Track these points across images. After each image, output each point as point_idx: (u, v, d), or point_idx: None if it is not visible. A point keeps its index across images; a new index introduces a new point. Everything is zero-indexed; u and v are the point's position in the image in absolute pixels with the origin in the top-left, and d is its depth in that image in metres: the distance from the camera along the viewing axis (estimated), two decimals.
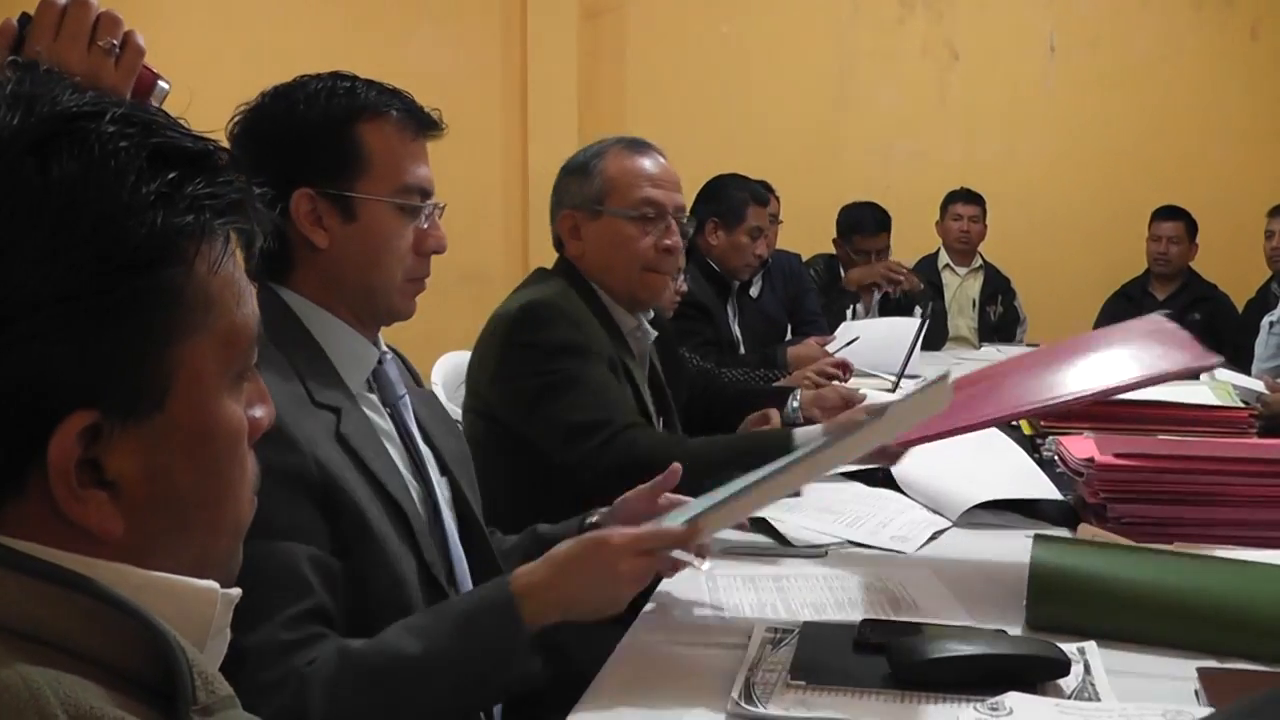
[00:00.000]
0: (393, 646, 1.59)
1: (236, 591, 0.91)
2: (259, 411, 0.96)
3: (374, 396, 1.86)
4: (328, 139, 1.80)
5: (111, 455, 0.81)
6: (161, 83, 1.45)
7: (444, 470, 1.93)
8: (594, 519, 2.05)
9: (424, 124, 1.88)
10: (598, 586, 1.66)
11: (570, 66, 7.16)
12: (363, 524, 1.67)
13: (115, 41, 1.37)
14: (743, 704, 1.56)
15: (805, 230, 5.96)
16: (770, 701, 1.57)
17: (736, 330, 4.82)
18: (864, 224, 5.98)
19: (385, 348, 1.89)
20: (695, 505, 1.82)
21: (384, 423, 1.85)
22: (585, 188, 2.69)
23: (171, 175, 0.83)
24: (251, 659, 1.50)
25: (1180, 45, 7.06)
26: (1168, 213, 6.32)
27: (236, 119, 1.83)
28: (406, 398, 1.90)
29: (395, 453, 1.82)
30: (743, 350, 4.71)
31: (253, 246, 0.92)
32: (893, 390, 3.85)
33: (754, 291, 5.18)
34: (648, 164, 2.71)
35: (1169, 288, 6.47)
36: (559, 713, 1.59)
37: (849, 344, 4.48)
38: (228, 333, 0.87)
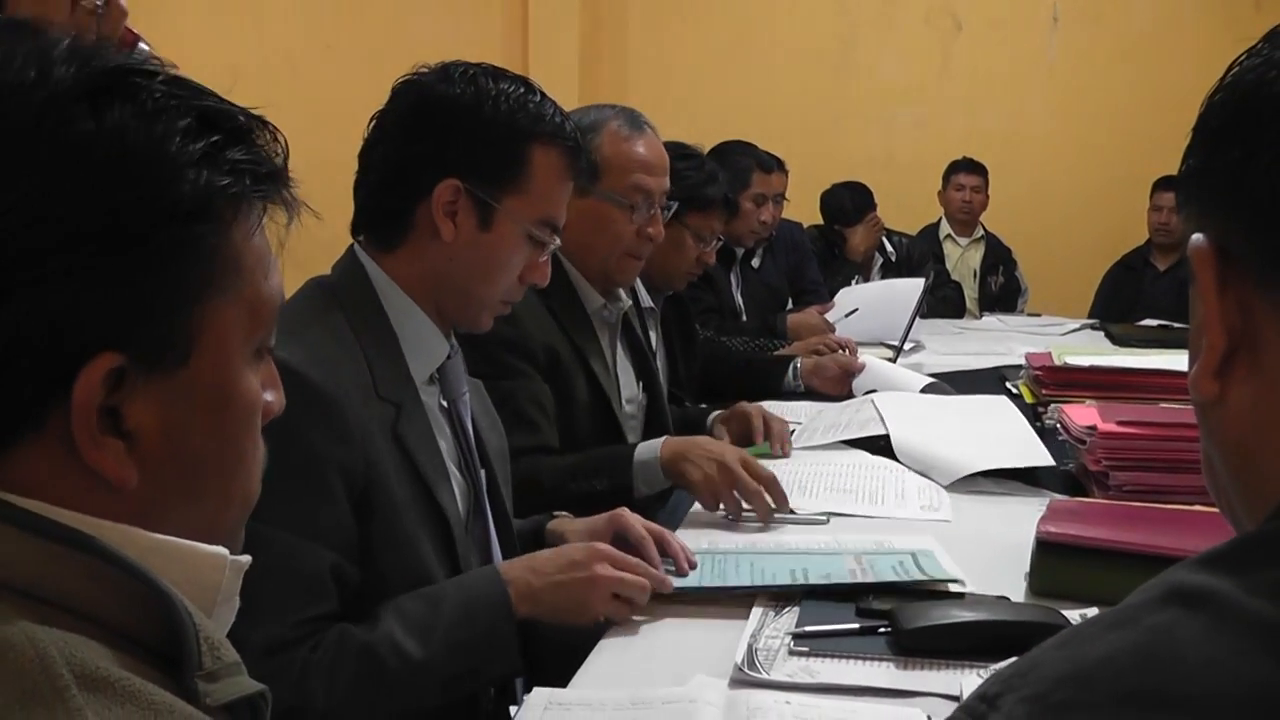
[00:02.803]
0: (394, 641, 1.61)
1: (246, 558, 0.91)
2: (270, 396, 0.96)
3: (435, 388, 1.84)
4: (502, 145, 1.79)
5: (132, 405, 0.81)
6: (142, 44, 1.43)
7: (483, 462, 1.92)
8: (555, 521, 2.09)
9: (580, 167, 1.90)
10: (574, 607, 1.73)
11: (572, 37, 7.14)
12: (395, 527, 1.67)
13: (99, 2, 1.36)
14: (746, 670, 1.56)
15: (807, 199, 5.94)
16: (773, 668, 1.57)
17: (739, 299, 4.81)
18: (844, 213, 5.95)
19: (454, 343, 1.87)
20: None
21: (441, 417, 1.84)
22: None
23: (215, 138, 0.84)
24: (251, 650, 1.51)
25: (1183, 16, 7.03)
26: (1169, 183, 6.28)
27: (409, 78, 1.81)
28: (467, 395, 1.89)
29: (446, 448, 1.82)
30: (744, 319, 4.70)
31: (290, 221, 0.93)
32: (894, 360, 3.83)
33: (755, 262, 5.16)
34: (643, 149, 2.65)
35: (1170, 258, 6.45)
36: (561, 679, 1.60)
37: (849, 315, 4.47)
38: (255, 301, 0.88)
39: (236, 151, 0.86)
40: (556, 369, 2.50)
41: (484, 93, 1.78)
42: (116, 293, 0.79)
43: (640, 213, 2.64)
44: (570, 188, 1.89)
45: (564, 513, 2.12)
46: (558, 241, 1.88)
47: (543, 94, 1.85)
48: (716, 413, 2.91)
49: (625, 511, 1.98)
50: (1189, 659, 0.61)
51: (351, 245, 1.83)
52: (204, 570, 0.86)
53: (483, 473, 1.91)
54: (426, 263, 1.79)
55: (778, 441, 2.70)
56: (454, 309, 1.82)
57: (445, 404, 1.85)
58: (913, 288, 4.49)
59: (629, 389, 2.77)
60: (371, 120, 1.81)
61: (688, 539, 1.99)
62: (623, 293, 2.77)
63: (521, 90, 1.81)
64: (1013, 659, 1.51)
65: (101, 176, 0.79)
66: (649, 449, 2.40)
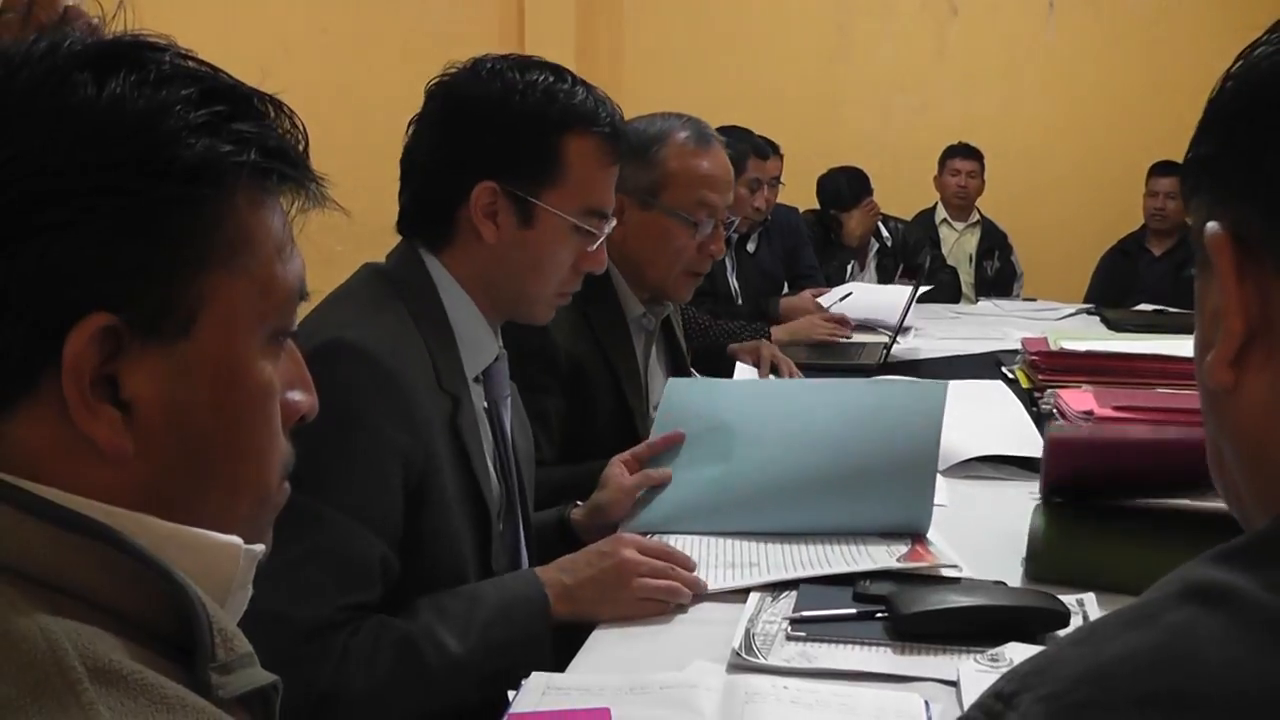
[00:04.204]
0: (433, 634, 1.62)
1: (260, 547, 0.89)
2: (298, 395, 0.94)
3: (480, 388, 1.83)
4: (533, 140, 1.76)
5: (130, 373, 0.80)
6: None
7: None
8: (574, 511, 2.08)
9: (623, 149, 1.85)
10: (609, 596, 1.74)
11: (568, 20, 7.11)
12: (444, 521, 1.67)
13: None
14: (744, 655, 1.57)
15: (804, 185, 5.94)
16: (771, 653, 1.58)
17: (733, 283, 4.81)
18: (840, 199, 5.96)
19: (500, 344, 1.86)
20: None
21: (484, 417, 1.83)
22: (640, 174, 2.53)
23: (219, 108, 0.84)
24: (297, 628, 1.53)
25: (1179, 1, 7.02)
26: (1165, 168, 6.27)
27: (441, 79, 1.79)
28: (509, 398, 1.89)
29: (487, 449, 1.81)
30: (739, 303, 4.70)
31: (316, 203, 0.93)
32: (889, 348, 3.84)
33: (751, 247, 5.17)
34: (709, 164, 2.59)
35: (1166, 243, 6.44)
36: (559, 664, 1.60)
37: (844, 298, 4.48)
38: (267, 281, 0.87)
39: (244, 124, 0.85)
40: (579, 379, 2.46)
41: (510, 87, 1.75)
42: (110, 249, 0.78)
43: (703, 229, 2.57)
44: (615, 172, 1.85)
45: (581, 503, 2.10)
46: (611, 226, 1.85)
47: (574, 79, 1.81)
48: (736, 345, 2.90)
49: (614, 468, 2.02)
50: (1210, 659, 0.61)
51: (406, 239, 1.82)
52: (218, 559, 0.85)
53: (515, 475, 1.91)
54: (477, 264, 1.78)
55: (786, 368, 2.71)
56: (509, 305, 1.81)
57: (486, 404, 1.85)
58: (903, 290, 4.51)
59: (659, 394, 2.74)
60: (409, 125, 1.80)
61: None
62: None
63: (550, 79, 1.78)
64: (1010, 644, 1.52)
65: (97, 137, 0.79)
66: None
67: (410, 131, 1.80)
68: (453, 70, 1.80)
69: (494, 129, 1.75)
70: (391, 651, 1.59)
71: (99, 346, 0.78)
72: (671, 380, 2.03)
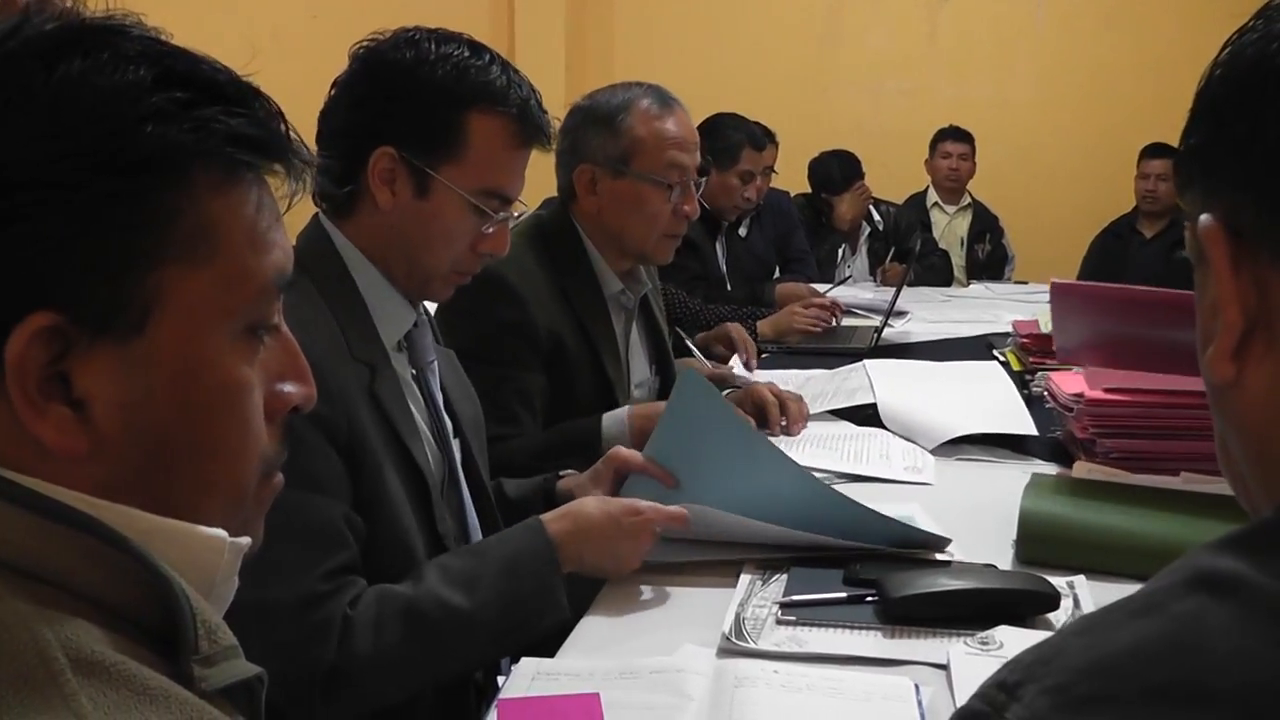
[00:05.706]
0: (437, 595, 1.62)
1: (246, 540, 0.88)
2: (290, 386, 0.92)
3: (404, 356, 1.83)
4: (436, 112, 1.75)
5: (83, 372, 0.77)
6: None
7: (456, 433, 1.91)
8: (563, 477, 2.08)
9: (536, 135, 1.83)
10: (618, 555, 1.76)
11: (558, 8, 7.10)
12: (380, 487, 1.66)
13: None
14: (734, 640, 1.57)
15: (795, 168, 5.93)
16: (761, 638, 1.58)
17: (724, 268, 4.80)
18: (831, 182, 5.96)
19: (421, 311, 1.86)
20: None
21: (413, 385, 1.83)
22: (609, 144, 2.57)
23: (180, 94, 0.80)
24: (288, 609, 1.51)
25: None
26: (1156, 150, 6.28)
27: (364, 43, 1.79)
28: (435, 363, 1.88)
29: (419, 417, 1.81)
30: (729, 288, 4.70)
31: (299, 188, 0.89)
32: (880, 331, 3.84)
33: (742, 231, 5.16)
34: (674, 126, 2.60)
35: (1157, 225, 6.45)
36: (549, 649, 1.60)
37: (842, 282, 4.49)
38: (235, 275, 0.83)
39: (210, 110, 0.81)
40: (560, 356, 2.47)
41: (423, 58, 1.75)
42: (54, 246, 0.75)
43: (677, 191, 2.59)
44: (523, 155, 1.83)
45: (571, 470, 2.10)
46: (509, 214, 1.84)
47: (493, 58, 1.80)
48: (729, 391, 2.85)
49: (620, 450, 2.00)
50: (1219, 649, 0.60)
51: (316, 214, 1.82)
52: (202, 553, 0.83)
53: (456, 442, 1.90)
54: (374, 230, 1.77)
55: (794, 421, 2.64)
56: (403, 278, 1.80)
57: (414, 372, 1.84)
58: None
59: (640, 373, 2.75)
60: (331, 87, 1.80)
61: None
62: (643, 272, 2.73)
63: (465, 54, 1.77)
64: (1001, 627, 1.51)
65: (42, 128, 0.76)
66: (615, 420, 2.40)
67: (330, 92, 1.80)
68: (379, 35, 1.80)
69: (399, 96, 1.75)
70: (396, 617, 1.58)
71: (44, 346, 0.76)
72: (689, 372, 1.98)
